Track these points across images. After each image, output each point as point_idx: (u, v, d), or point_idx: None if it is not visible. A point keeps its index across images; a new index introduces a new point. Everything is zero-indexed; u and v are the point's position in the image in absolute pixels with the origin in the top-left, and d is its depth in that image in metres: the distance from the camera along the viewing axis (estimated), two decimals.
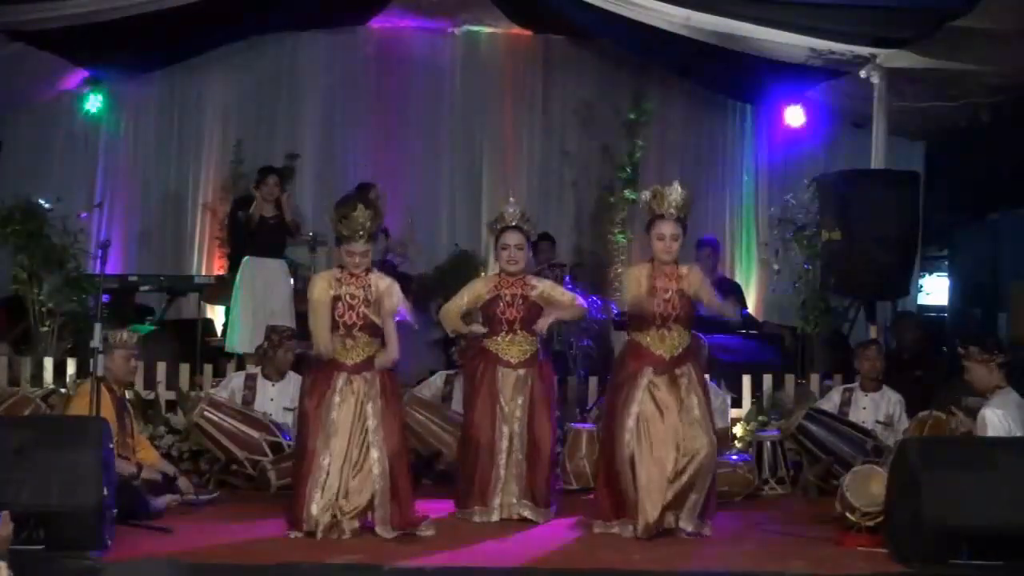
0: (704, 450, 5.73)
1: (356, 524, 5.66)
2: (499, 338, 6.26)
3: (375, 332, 5.76)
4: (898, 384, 7.48)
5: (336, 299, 5.74)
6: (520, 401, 6.20)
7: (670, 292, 5.85)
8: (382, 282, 5.82)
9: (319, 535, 5.55)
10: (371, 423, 5.70)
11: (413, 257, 9.78)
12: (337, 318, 5.72)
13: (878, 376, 7.34)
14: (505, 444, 6.16)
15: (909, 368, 8.23)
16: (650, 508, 5.65)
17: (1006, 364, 5.92)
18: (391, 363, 5.80)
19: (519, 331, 6.25)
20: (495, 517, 6.11)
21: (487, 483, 6.13)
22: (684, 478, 5.70)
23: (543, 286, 6.36)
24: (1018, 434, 5.67)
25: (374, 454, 5.67)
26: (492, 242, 6.50)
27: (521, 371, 6.23)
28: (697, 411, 5.80)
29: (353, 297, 5.74)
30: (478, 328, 6.35)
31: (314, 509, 5.58)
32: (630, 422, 5.74)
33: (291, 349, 7.30)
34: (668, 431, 5.73)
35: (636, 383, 5.80)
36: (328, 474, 5.63)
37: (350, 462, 5.66)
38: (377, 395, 5.73)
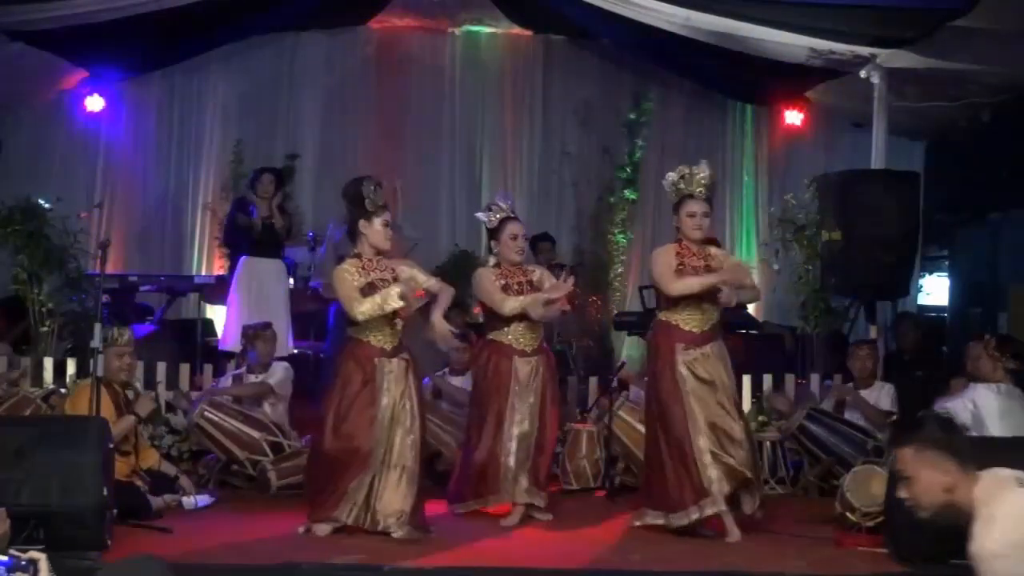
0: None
1: (393, 520, 5.57)
2: (509, 328, 6.26)
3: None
4: (899, 384, 7.47)
5: (370, 285, 5.65)
6: (536, 388, 6.21)
7: (699, 270, 5.85)
8: (403, 263, 5.82)
9: (351, 522, 5.53)
10: (408, 420, 5.63)
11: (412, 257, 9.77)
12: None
13: (871, 374, 7.34)
14: (520, 432, 6.14)
15: (909, 368, 8.22)
16: (725, 479, 5.67)
17: (1014, 372, 5.91)
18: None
19: (527, 319, 6.26)
20: (508, 500, 6.12)
21: (505, 471, 6.11)
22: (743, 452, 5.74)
23: (539, 271, 6.41)
24: (989, 426, 5.69)
25: (409, 452, 5.60)
26: (491, 233, 6.41)
27: (534, 359, 6.25)
28: (731, 388, 5.86)
29: (383, 281, 5.66)
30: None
31: (357, 498, 5.55)
32: (680, 402, 5.75)
33: (269, 339, 7.29)
34: (716, 405, 5.76)
35: (674, 364, 5.79)
36: (373, 467, 5.57)
37: (391, 454, 5.59)
38: (411, 385, 5.68)
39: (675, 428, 5.75)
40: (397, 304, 5.54)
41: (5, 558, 2.57)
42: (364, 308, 5.55)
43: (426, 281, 5.80)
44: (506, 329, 6.26)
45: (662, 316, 5.96)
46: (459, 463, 6.44)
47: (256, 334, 7.28)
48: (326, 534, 5.58)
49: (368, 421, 5.58)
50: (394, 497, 5.56)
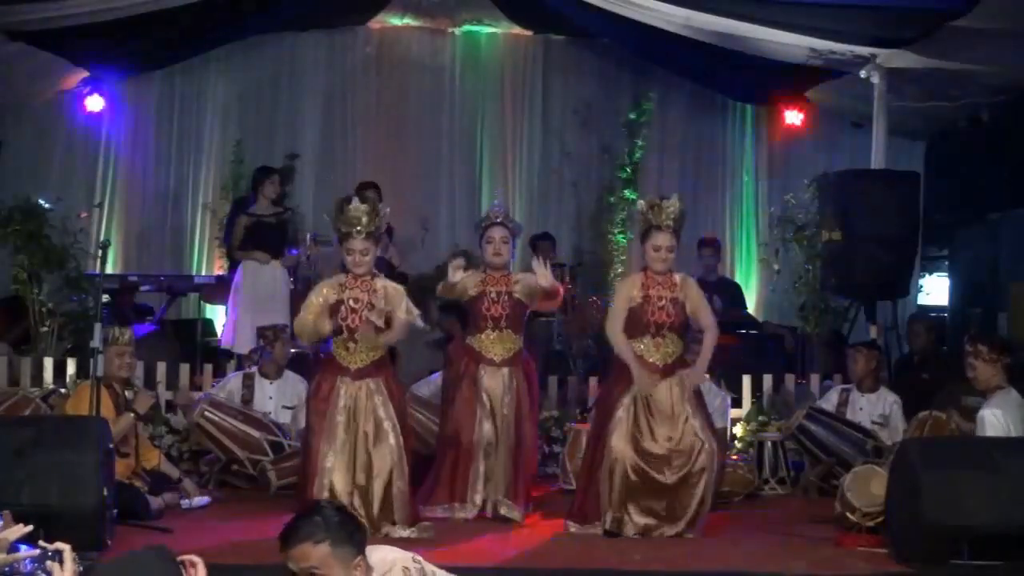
0: (702, 458, 5.74)
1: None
2: (483, 335, 6.27)
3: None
4: (906, 386, 7.47)
5: (339, 303, 5.70)
6: (507, 400, 6.21)
7: (664, 300, 5.87)
8: (391, 289, 5.78)
9: None
10: (386, 425, 5.67)
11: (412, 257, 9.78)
12: (340, 321, 5.68)
13: (871, 377, 7.33)
14: (488, 441, 6.16)
15: (918, 370, 8.22)
16: (618, 508, 5.71)
17: (1010, 366, 5.92)
18: (386, 339, 5.74)
19: (504, 328, 6.26)
20: (472, 514, 6.12)
21: (468, 480, 6.14)
22: (675, 485, 5.74)
23: (523, 279, 6.38)
24: (1016, 434, 5.67)
25: (386, 454, 5.64)
26: (478, 240, 6.52)
27: (505, 369, 6.24)
28: (693, 420, 5.81)
29: (357, 301, 5.70)
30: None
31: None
32: (619, 427, 5.76)
33: (287, 342, 7.30)
34: (659, 439, 5.76)
35: (628, 390, 5.81)
36: (333, 477, 5.62)
37: (358, 464, 5.64)
38: (385, 399, 5.70)
39: (601, 448, 5.85)
40: (320, 330, 5.69)
41: (30, 550, 2.60)
42: (297, 325, 5.82)
43: (399, 315, 5.73)
44: (480, 336, 6.29)
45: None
46: (435, 463, 6.43)
47: (275, 335, 7.28)
48: None
49: (323, 440, 5.64)
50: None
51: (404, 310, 5.75)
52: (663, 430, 5.77)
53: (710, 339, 5.98)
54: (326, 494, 5.54)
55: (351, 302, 5.70)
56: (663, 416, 5.79)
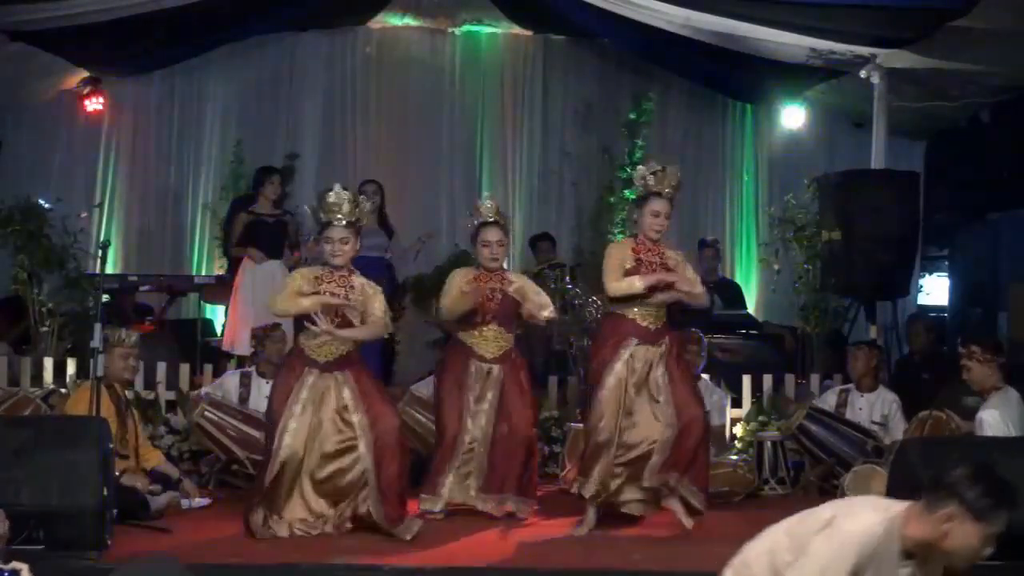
0: (684, 421, 5.76)
1: (338, 522, 5.64)
2: (475, 332, 6.27)
3: None
4: (906, 386, 7.46)
5: (313, 295, 5.60)
6: (490, 397, 6.21)
7: (656, 267, 5.85)
8: (369, 289, 5.70)
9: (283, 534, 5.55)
10: (355, 418, 5.59)
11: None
12: (312, 314, 5.54)
13: (871, 377, 7.33)
14: (467, 438, 6.17)
15: (918, 370, 8.22)
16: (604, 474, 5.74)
17: (1006, 365, 5.92)
18: (359, 335, 5.65)
19: (496, 326, 6.25)
20: (439, 506, 6.12)
21: (441, 472, 6.15)
22: (659, 449, 5.76)
23: (520, 281, 6.37)
24: (1015, 434, 5.67)
25: (361, 448, 5.57)
26: (471, 237, 6.45)
27: (495, 367, 6.24)
28: (680, 383, 5.83)
29: (332, 295, 5.61)
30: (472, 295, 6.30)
31: (284, 510, 5.59)
32: (608, 389, 5.77)
33: (280, 340, 7.29)
34: (644, 401, 5.78)
35: (618, 353, 5.81)
36: (295, 474, 5.58)
37: (322, 459, 5.59)
38: (355, 390, 5.61)
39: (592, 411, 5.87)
40: (286, 308, 5.59)
41: None
42: (269, 301, 5.81)
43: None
44: (473, 332, 6.28)
45: (618, 309, 5.94)
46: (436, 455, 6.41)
47: (266, 335, 7.28)
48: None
49: (287, 431, 5.57)
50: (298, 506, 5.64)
51: (380, 309, 5.68)
52: (646, 393, 5.79)
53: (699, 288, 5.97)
54: (290, 493, 5.55)
55: (327, 296, 5.61)
56: (648, 389, 5.80)
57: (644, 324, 5.86)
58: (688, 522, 5.82)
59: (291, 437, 5.55)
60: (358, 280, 5.72)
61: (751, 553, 3.06)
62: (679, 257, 6.01)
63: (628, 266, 5.85)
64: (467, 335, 6.30)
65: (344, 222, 5.62)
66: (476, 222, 6.36)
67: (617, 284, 5.81)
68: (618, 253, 5.93)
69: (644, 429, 5.79)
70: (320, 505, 5.66)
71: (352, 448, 5.61)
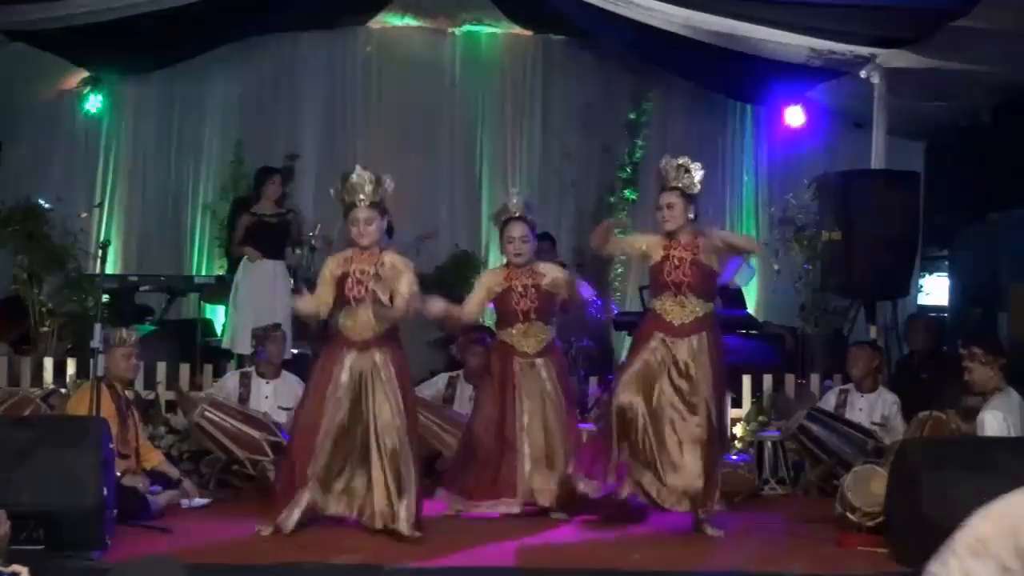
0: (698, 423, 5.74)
1: (344, 508, 5.64)
2: (514, 329, 6.27)
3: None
4: (906, 386, 7.46)
5: (344, 275, 5.63)
6: (539, 391, 6.21)
7: (683, 261, 5.84)
8: (399, 262, 5.67)
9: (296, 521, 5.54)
10: (380, 408, 5.54)
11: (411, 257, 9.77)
12: (346, 292, 5.58)
13: (871, 377, 7.33)
14: (525, 435, 6.16)
15: (918, 370, 8.22)
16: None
17: (1007, 366, 5.92)
18: (390, 314, 5.59)
19: (534, 321, 6.25)
20: (517, 508, 6.12)
21: (512, 474, 6.13)
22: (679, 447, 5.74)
23: (552, 273, 6.37)
24: (1016, 435, 5.67)
25: (386, 442, 5.52)
26: (498, 234, 6.49)
27: (539, 360, 6.25)
28: (702, 383, 5.77)
29: (363, 272, 5.61)
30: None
31: (307, 493, 5.56)
32: (629, 378, 5.77)
33: (278, 340, 7.29)
34: (666, 396, 5.75)
35: (647, 344, 5.82)
36: (325, 453, 5.57)
37: (351, 442, 5.58)
38: (390, 377, 5.58)
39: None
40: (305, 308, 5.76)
41: None
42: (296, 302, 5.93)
43: (400, 290, 5.59)
44: (511, 330, 6.29)
45: (651, 304, 5.97)
46: (462, 455, 6.39)
47: (266, 335, 7.28)
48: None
49: (325, 410, 5.59)
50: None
51: (406, 285, 5.61)
52: (670, 390, 5.76)
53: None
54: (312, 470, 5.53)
55: (357, 274, 5.61)
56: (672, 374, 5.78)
57: (669, 319, 5.84)
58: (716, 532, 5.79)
59: (336, 417, 5.56)
60: (389, 258, 5.69)
61: (985, 529, 2.85)
62: (713, 235, 5.94)
63: (654, 262, 5.88)
64: (506, 333, 6.31)
65: (368, 202, 5.63)
66: (502, 218, 6.37)
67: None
68: (643, 246, 6.04)
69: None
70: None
71: (374, 440, 5.58)
